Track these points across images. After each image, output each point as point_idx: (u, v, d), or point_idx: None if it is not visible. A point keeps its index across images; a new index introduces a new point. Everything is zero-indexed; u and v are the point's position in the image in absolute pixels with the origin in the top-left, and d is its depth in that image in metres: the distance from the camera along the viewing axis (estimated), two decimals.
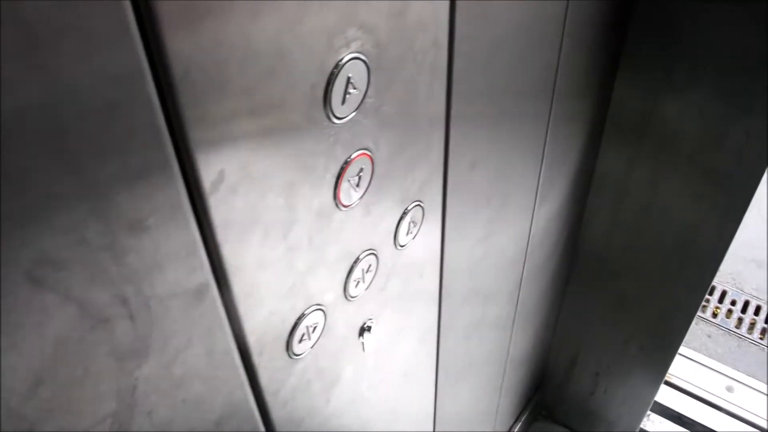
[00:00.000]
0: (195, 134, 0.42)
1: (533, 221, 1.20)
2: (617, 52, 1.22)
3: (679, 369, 2.04)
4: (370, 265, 0.69)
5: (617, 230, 1.52)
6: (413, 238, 0.75)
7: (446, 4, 0.62)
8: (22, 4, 0.30)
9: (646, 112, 1.29)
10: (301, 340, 0.65)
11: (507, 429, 1.94)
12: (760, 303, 2.36)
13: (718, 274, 1.42)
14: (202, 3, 0.38)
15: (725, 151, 1.23)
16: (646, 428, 2.03)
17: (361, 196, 0.61)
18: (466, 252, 0.95)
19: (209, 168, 0.44)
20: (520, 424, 1.97)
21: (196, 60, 0.39)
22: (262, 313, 0.57)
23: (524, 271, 1.30)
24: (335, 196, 0.58)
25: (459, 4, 0.63)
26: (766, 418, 1.88)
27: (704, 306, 2.38)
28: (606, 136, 1.38)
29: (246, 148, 0.46)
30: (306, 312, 0.63)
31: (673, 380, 2.03)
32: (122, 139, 0.38)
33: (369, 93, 0.55)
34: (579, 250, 1.62)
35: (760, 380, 1.94)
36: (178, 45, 0.38)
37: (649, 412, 2.03)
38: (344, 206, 0.60)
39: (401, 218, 0.71)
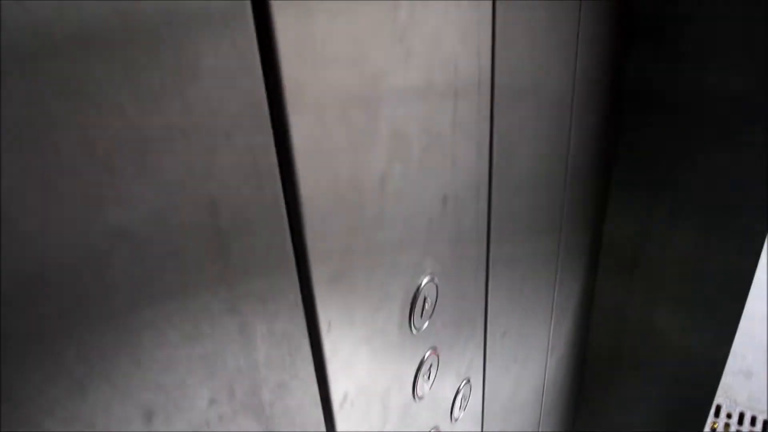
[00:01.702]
0: (330, 368, 0.52)
1: (547, 368, 1.30)
2: (607, 189, 1.38)
3: None
4: None
5: (619, 362, 1.63)
6: (463, 411, 0.85)
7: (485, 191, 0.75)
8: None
9: (636, 248, 1.43)
10: None
11: None
12: (754, 414, 2.45)
13: None
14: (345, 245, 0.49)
15: (709, 283, 1.37)
16: None
17: (431, 387, 0.71)
18: (500, 411, 1.04)
19: (337, 391, 0.54)
20: None
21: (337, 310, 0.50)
22: None
23: (542, 411, 1.39)
24: (413, 390, 0.68)
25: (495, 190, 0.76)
26: None
27: None
28: (601, 273, 1.51)
29: (363, 372, 0.57)
30: None
31: None
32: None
33: (438, 304, 0.67)
34: (584, 385, 1.71)
35: None
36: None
37: None
38: (419, 398, 0.69)
39: (455, 396, 0.81)
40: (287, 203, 0.42)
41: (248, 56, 0.36)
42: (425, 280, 0.63)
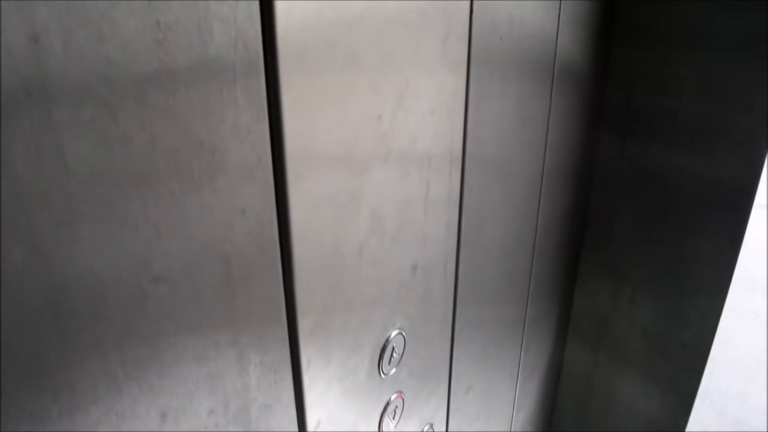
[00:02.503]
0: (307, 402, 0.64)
1: (512, 426, 1.41)
2: (576, 264, 1.50)
3: None
4: None
5: (585, 426, 1.72)
6: None
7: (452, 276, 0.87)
8: None
9: (602, 320, 1.55)
10: None
11: None
12: None
13: None
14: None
15: (667, 363, 1.48)
16: None
17: (396, 426, 0.83)
18: None
19: (312, 417, 0.66)
20: None
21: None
22: None
23: None
24: (380, 427, 0.79)
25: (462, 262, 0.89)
26: None
27: None
28: (569, 342, 1.62)
29: (335, 404, 0.68)
30: None
31: None
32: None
33: (405, 354, 0.79)
34: None
35: None
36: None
37: None
38: None
39: None
40: (283, 263, 0.55)
41: (263, 158, 0.50)
42: (394, 333, 0.75)
